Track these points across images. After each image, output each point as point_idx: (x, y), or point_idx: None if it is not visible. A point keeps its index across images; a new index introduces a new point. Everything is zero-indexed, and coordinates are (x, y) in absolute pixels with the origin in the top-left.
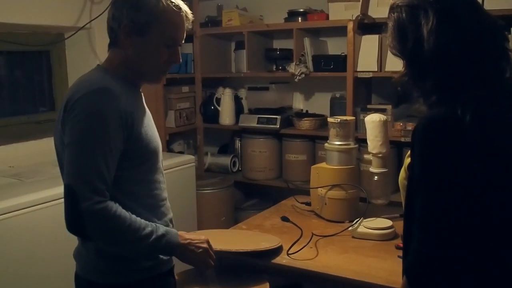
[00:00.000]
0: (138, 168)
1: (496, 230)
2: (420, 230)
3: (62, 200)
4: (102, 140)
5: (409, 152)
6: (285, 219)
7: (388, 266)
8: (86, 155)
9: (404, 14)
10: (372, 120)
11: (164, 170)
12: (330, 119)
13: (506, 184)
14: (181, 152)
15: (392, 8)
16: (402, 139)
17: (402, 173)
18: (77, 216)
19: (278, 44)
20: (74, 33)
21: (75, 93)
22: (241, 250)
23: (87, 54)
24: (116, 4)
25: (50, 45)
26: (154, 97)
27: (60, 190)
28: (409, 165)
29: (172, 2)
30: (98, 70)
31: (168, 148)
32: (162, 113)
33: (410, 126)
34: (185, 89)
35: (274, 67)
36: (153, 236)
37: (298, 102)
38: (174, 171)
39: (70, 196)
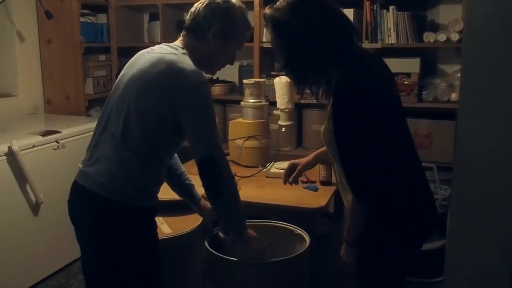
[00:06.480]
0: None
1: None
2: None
3: None
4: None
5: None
6: None
7: (296, 194)
8: (215, 132)
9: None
10: (281, 81)
11: (87, 133)
12: (245, 81)
13: (396, 121)
14: None
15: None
16: (302, 101)
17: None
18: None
19: None
20: None
21: (185, 75)
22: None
23: (3, 23)
24: (209, 7)
25: None
26: (73, 65)
27: None
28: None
29: (247, 19)
30: (187, 55)
31: (86, 114)
32: (81, 80)
33: (307, 90)
34: (102, 57)
35: None
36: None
37: None
38: None
39: (214, 166)
